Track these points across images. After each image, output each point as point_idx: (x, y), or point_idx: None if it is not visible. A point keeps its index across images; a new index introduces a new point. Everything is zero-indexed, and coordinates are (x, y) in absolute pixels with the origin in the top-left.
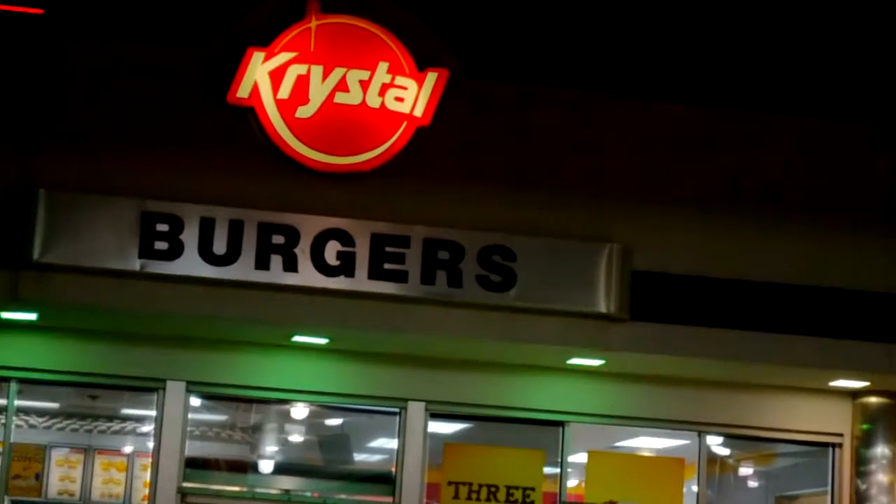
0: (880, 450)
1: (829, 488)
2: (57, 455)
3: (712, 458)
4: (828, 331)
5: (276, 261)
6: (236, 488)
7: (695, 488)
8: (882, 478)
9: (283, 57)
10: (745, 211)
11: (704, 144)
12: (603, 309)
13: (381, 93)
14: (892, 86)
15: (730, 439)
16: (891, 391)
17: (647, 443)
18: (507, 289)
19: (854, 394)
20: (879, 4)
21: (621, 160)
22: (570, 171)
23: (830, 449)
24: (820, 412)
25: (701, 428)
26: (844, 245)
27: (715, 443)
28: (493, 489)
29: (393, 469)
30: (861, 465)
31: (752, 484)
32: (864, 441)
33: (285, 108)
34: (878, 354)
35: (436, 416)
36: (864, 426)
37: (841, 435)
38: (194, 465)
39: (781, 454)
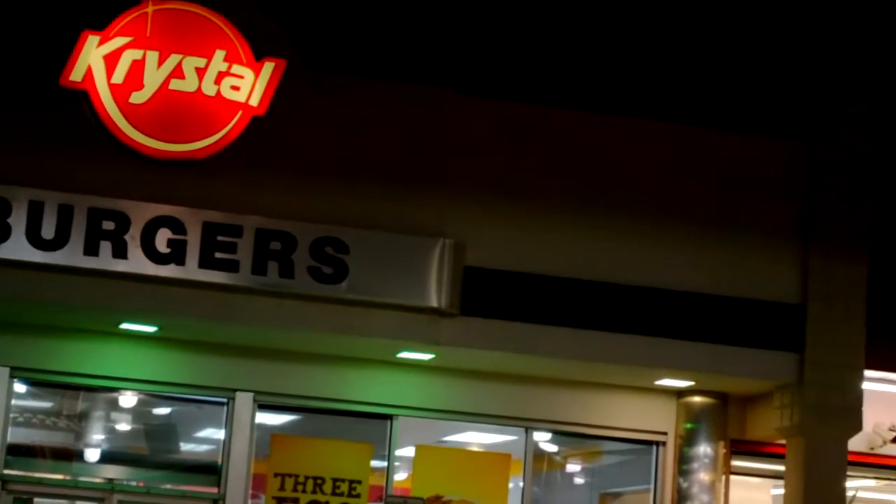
0: (703, 449)
1: (651, 486)
2: None
3: (539, 455)
4: (654, 330)
5: (106, 247)
6: (59, 476)
7: (521, 484)
8: (703, 476)
9: (119, 41)
10: (576, 210)
11: (538, 142)
12: (434, 303)
13: (217, 81)
14: (738, 89)
15: (557, 436)
16: (715, 391)
17: (476, 438)
18: (339, 281)
19: (679, 393)
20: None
21: (456, 156)
22: (405, 166)
23: (654, 447)
24: (645, 411)
25: (528, 424)
26: (672, 247)
27: (542, 439)
28: (319, 481)
29: (219, 460)
30: (683, 464)
31: (578, 481)
32: (688, 440)
33: (119, 92)
34: (703, 354)
35: (264, 407)
36: (688, 425)
37: (665, 433)
38: (17, 453)
39: (607, 452)
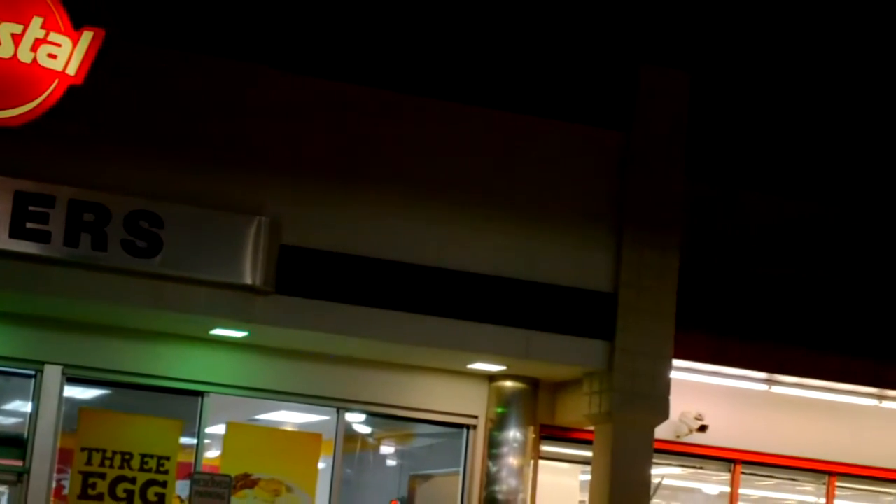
0: (513, 433)
1: (461, 469)
2: None
3: (351, 435)
4: (468, 314)
5: None
6: None
7: (332, 464)
8: (512, 461)
9: None
10: (395, 194)
11: (361, 124)
12: (248, 281)
13: (34, 48)
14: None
15: (369, 417)
16: (527, 376)
17: (289, 417)
18: (153, 255)
19: (491, 377)
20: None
21: (276, 134)
22: (224, 142)
23: (465, 430)
24: (457, 394)
25: (340, 404)
26: (489, 232)
27: (354, 420)
28: (127, 457)
29: (25, 433)
30: (493, 448)
31: (390, 462)
32: (498, 424)
33: None
34: (516, 340)
35: (72, 380)
36: (499, 409)
37: (476, 417)
38: None
39: (419, 434)
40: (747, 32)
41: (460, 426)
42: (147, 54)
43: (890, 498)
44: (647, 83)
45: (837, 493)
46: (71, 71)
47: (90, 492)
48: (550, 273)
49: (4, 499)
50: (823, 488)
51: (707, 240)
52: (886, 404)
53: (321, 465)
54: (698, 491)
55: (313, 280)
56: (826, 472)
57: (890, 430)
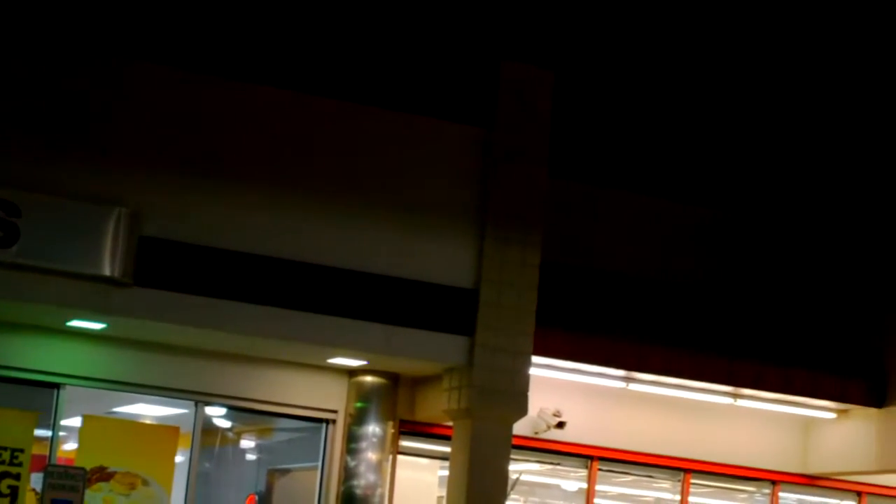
0: (372, 428)
1: (320, 463)
2: None
3: (210, 429)
4: (329, 309)
5: None
6: None
7: (189, 458)
8: (371, 456)
9: None
10: (257, 187)
11: (224, 116)
12: (107, 272)
13: None
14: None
15: (229, 411)
16: (387, 371)
17: (147, 410)
18: (9, 245)
19: (351, 372)
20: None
21: (138, 125)
22: (84, 132)
23: (324, 425)
24: (317, 388)
25: (199, 398)
26: (351, 227)
27: (214, 414)
28: None
29: None
30: (352, 443)
31: (249, 456)
32: (357, 419)
33: None
34: (376, 335)
35: None
36: (359, 404)
37: (335, 412)
38: None
39: (278, 428)
40: (614, 31)
41: (319, 421)
42: (26, 44)
43: (744, 495)
44: (510, 80)
45: (692, 490)
46: None
47: None
48: (412, 268)
49: None
50: (679, 485)
51: (570, 237)
52: (741, 402)
53: (179, 459)
54: (556, 487)
55: (173, 272)
56: (682, 469)
57: (744, 429)
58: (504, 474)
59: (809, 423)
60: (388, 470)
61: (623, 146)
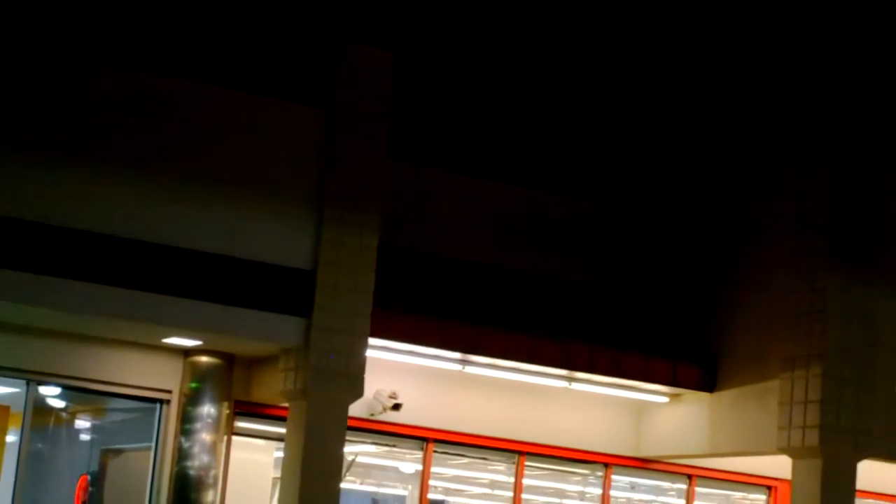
0: (206, 409)
1: (154, 444)
2: None
3: (42, 409)
4: (163, 288)
5: None
6: None
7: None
8: (206, 436)
9: None
10: (86, 163)
11: (57, 91)
12: None
13: None
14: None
15: (63, 390)
16: (222, 352)
17: None
18: None
19: (186, 352)
20: None
21: None
22: None
23: (159, 405)
24: (151, 368)
25: (31, 376)
26: (188, 205)
27: (47, 393)
28: None
29: None
30: (186, 423)
31: (82, 436)
32: (192, 399)
33: None
34: (211, 315)
35: None
36: (193, 384)
37: (170, 392)
38: None
39: (112, 408)
40: (461, 13)
41: (154, 401)
42: None
43: (577, 477)
44: (350, 62)
45: (527, 472)
46: None
47: None
48: (250, 249)
49: None
50: (514, 467)
51: (409, 220)
52: (575, 386)
53: (10, 439)
54: (393, 469)
55: (2, 249)
56: (516, 451)
57: (577, 411)
58: (339, 456)
59: (642, 406)
60: (223, 451)
61: (465, 131)
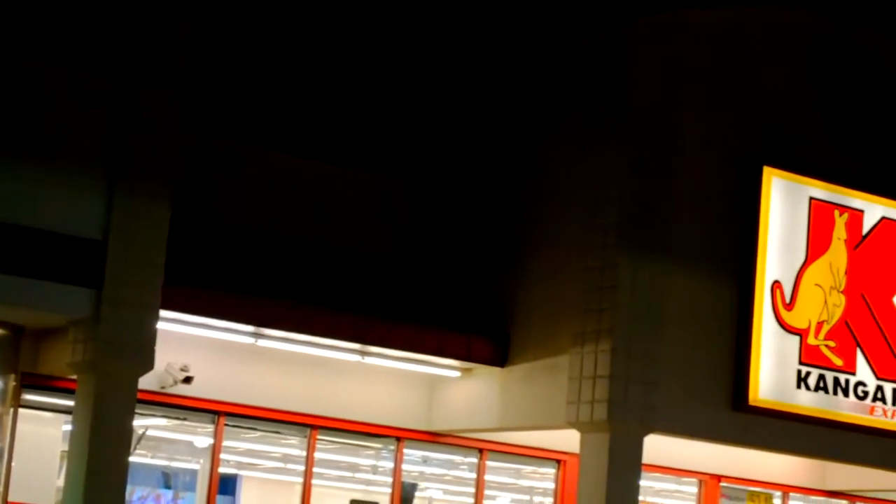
0: None
1: None
2: None
3: None
4: None
5: None
6: None
7: None
8: None
9: None
10: None
11: None
12: None
13: None
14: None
15: None
16: (8, 322)
17: None
18: None
19: None
20: None
21: None
22: None
23: None
24: None
25: None
26: None
27: None
28: None
29: None
30: None
31: None
32: None
33: None
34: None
35: None
36: None
37: None
38: None
39: None
40: None
41: None
42: None
43: (370, 451)
44: (144, 31)
45: (319, 446)
46: None
47: None
48: (36, 217)
49: None
50: (306, 441)
51: (203, 192)
52: (368, 360)
53: None
54: (187, 443)
55: None
56: (309, 425)
57: (370, 386)
58: (128, 430)
59: (435, 381)
60: (9, 424)
61: (274, 107)
